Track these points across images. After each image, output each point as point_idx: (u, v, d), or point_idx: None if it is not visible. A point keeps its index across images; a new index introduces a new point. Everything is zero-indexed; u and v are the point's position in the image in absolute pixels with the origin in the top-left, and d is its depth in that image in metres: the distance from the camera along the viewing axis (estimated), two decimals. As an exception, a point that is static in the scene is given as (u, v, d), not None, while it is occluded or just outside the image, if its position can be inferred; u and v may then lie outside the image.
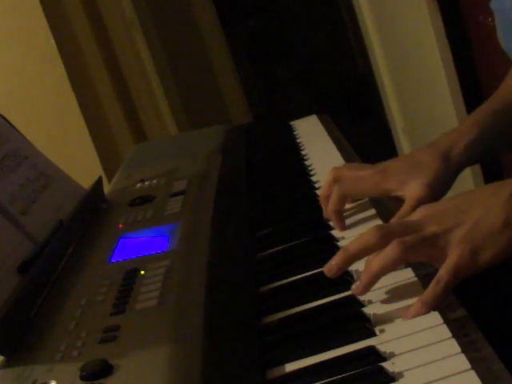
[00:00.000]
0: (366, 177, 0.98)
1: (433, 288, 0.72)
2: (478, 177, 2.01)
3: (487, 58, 1.88)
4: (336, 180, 1.00)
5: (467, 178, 1.97)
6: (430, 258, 0.76)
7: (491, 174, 2.02)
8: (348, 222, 0.97)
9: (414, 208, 0.91)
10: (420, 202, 0.92)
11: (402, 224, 0.79)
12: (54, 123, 2.51)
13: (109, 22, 2.61)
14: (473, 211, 0.76)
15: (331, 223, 0.98)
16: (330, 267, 0.78)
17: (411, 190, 0.94)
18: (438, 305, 0.71)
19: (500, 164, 2.02)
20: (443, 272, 0.73)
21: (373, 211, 0.98)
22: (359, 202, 1.02)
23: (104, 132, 2.63)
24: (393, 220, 0.91)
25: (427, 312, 0.71)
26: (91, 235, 1.00)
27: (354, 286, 0.76)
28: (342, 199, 0.97)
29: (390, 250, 0.74)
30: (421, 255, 0.76)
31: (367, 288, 0.76)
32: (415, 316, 0.71)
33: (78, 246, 0.96)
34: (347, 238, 0.92)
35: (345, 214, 0.98)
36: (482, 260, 0.73)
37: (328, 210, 0.98)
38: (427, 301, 0.71)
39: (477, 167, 1.99)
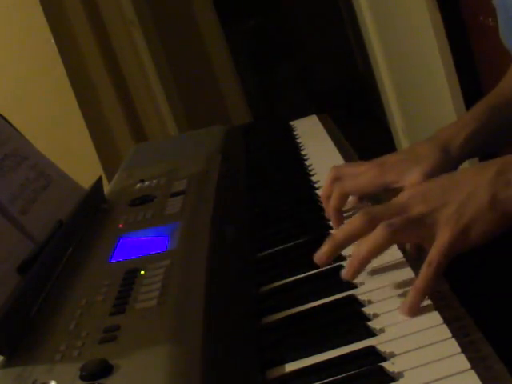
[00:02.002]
0: (365, 172, 0.97)
1: (425, 271, 0.71)
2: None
3: (487, 58, 1.88)
4: (336, 179, 1.00)
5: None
6: (419, 238, 0.75)
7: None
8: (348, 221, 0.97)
9: None
10: None
11: (387, 206, 0.78)
12: (54, 123, 2.51)
13: (109, 22, 2.61)
14: (459, 190, 0.75)
15: (331, 223, 0.98)
16: (320, 256, 0.78)
17: (409, 178, 0.94)
18: (433, 289, 0.71)
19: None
20: (434, 253, 0.72)
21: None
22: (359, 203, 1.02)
23: (104, 132, 2.63)
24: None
25: (423, 299, 0.70)
26: (91, 235, 0.99)
27: (343, 271, 0.76)
28: (343, 197, 0.97)
29: (378, 234, 0.73)
30: (409, 237, 0.76)
31: (356, 272, 0.76)
32: (412, 304, 0.70)
33: (78, 246, 0.96)
34: (347, 238, 0.92)
35: (345, 215, 0.98)
36: (472, 238, 0.73)
37: (329, 208, 0.98)
38: (421, 286, 0.71)
39: (475, 162, 1.99)
